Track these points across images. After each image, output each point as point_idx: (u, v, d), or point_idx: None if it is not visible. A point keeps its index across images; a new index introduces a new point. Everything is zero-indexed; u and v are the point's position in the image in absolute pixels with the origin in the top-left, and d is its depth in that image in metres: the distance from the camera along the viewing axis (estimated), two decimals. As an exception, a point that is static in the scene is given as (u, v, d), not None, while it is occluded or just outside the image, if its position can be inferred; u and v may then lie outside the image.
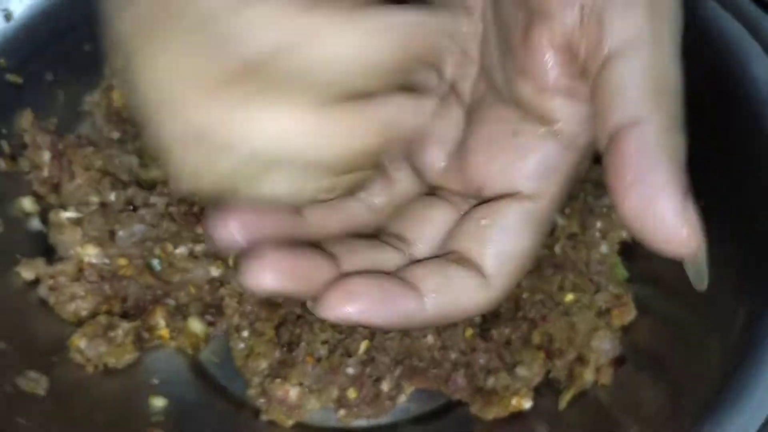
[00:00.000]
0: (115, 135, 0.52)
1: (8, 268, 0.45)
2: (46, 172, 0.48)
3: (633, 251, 0.47)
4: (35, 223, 0.48)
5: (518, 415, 0.43)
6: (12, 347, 0.41)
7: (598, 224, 0.46)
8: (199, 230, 0.48)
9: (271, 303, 0.46)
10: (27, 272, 0.45)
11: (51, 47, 0.51)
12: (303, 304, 0.46)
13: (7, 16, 0.50)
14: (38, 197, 0.49)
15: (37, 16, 0.51)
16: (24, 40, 0.51)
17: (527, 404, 0.43)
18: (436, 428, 0.45)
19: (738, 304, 0.36)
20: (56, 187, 0.49)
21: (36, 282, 0.46)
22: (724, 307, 0.37)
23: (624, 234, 0.47)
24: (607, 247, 0.46)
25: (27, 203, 0.48)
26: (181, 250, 0.47)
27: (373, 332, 0.45)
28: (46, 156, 0.48)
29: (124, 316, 0.47)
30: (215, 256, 0.47)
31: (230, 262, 0.47)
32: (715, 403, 0.34)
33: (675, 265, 0.44)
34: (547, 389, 0.44)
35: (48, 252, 0.47)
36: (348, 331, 0.46)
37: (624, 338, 0.44)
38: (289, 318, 0.46)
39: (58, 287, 0.46)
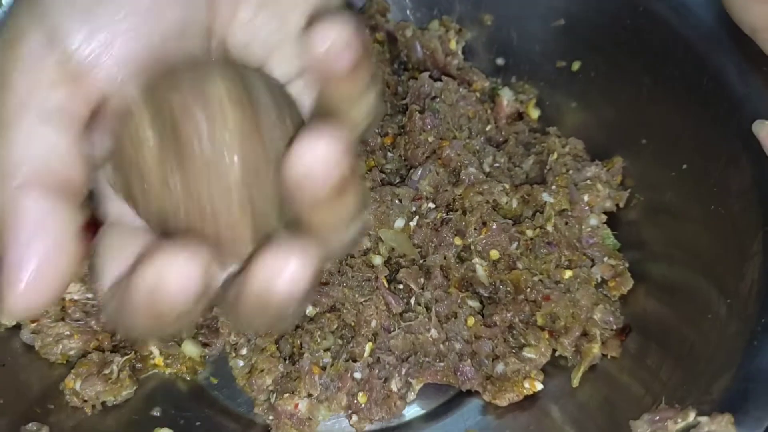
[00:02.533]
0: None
1: (-14, 317, 0.43)
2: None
3: (617, 219, 0.48)
4: None
5: (532, 398, 0.43)
6: (6, 401, 0.39)
7: (585, 198, 0.46)
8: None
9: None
10: (7, 318, 0.43)
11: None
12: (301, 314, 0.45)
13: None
14: None
15: None
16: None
17: (539, 386, 0.43)
18: (451, 422, 0.44)
19: (743, 268, 0.37)
20: (23, 225, 0.46)
21: (18, 327, 0.43)
22: (727, 270, 0.38)
23: (608, 203, 0.48)
24: (596, 219, 0.47)
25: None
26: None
27: (375, 333, 0.44)
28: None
29: (115, 350, 0.45)
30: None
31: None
32: (730, 367, 0.35)
33: (661, 230, 0.46)
34: (555, 369, 0.44)
35: (24, 294, 0.45)
36: (350, 335, 0.45)
37: (625, 308, 0.44)
38: (288, 330, 0.45)
39: (42, 330, 0.43)
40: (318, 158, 0.23)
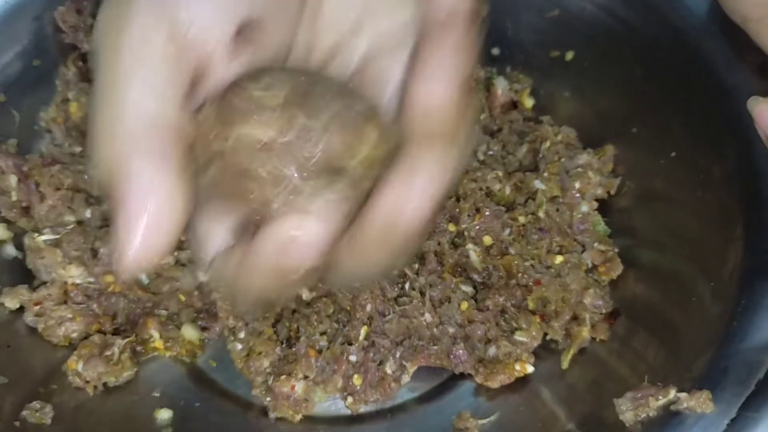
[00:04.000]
0: (77, 149, 0.51)
1: (-10, 300, 0.44)
2: (14, 197, 0.47)
3: (608, 206, 0.49)
4: (10, 250, 0.47)
5: (523, 380, 0.44)
6: (10, 381, 0.40)
7: (577, 185, 0.47)
8: (182, 237, 0.47)
9: (265, 301, 0.46)
10: (10, 301, 0.44)
11: (-1, 67, 0.50)
12: (298, 299, 0.46)
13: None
14: (9, 223, 0.47)
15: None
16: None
17: (530, 368, 0.44)
18: (444, 404, 0.45)
19: (726, 252, 0.38)
20: (26, 211, 0.47)
21: (21, 310, 0.45)
22: (711, 254, 0.39)
23: (599, 191, 0.48)
24: (587, 205, 0.47)
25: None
26: (167, 260, 0.46)
27: (371, 317, 0.45)
28: (13, 180, 0.46)
29: (116, 332, 0.46)
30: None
31: (218, 265, 0.47)
32: (711, 347, 0.36)
33: (650, 217, 0.47)
34: (545, 352, 0.45)
35: (28, 278, 0.46)
36: (346, 319, 0.46)
37: (614, 293, 0.45)
38: (285, 314, 0.46)
39: (44, 313, 0.44)
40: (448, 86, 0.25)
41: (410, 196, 0.25)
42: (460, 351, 0.45)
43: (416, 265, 0.47)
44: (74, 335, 0.45)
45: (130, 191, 0.25)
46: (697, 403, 0.32)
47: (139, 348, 0.46)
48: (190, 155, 0.26)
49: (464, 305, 0.46)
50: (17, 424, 0.39)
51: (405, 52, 0.28)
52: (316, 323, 0.46)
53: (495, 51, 0.56)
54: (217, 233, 0.28)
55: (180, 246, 0.47)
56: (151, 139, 0.25)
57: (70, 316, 0.45)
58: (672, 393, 0.33)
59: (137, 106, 0.25)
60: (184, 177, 0.26)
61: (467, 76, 0.27)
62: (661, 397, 0.33)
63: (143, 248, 0.25)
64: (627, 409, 0.35)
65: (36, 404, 0.40)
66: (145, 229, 0.25)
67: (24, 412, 0.39)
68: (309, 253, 0.25)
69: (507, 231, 0.47)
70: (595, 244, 0.46)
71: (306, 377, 0.44)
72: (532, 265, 0.45)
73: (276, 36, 0.28)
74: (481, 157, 0.50)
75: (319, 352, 0.45)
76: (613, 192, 0.49)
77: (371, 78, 0.29)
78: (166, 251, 0.26)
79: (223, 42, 0.26)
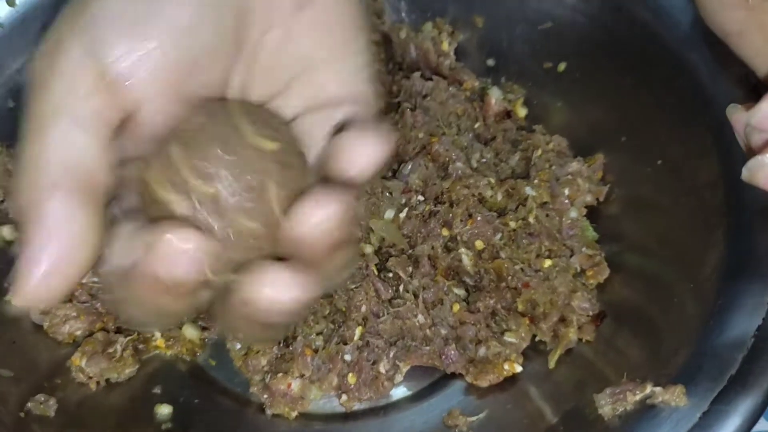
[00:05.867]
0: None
1: (-2, 298, 0.46)
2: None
3: (598, 213, 0.50)
4: (17, 251, 0.48)
5: (511, 379, 0.45)
6: (16, 374, 0.42)
7: (566, 191, 0.49)
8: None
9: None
10: (17, 304, 0.46)
11: (9, 74, 0.51)
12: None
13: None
14: (17, 224, 0.49)
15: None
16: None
17: (519, 368, 0.45)
18: (435, 402, 0.47)
19: (706, 255, 0.39)
20: (34, 212, 0.49)
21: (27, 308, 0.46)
22: (693, 257, 0.40)
23: (589, 198, 0.50)
24: (576, 212, 0.49)
25: (6, 231, 0.48)
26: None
27: (365, 318, 0.47)
28: (21, 182, 0.48)
29: (119, 331, 0.48)
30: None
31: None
32: (688, 345, 0.37)
33: (637, 223, 0.48)
34: (534, 353, 0.47)
35: (35, 277, 0.47)
36: (341, 319, 0.47)
37: (601, 295, 0.46)
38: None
39: (50, 311, 0.46)
40: (322, 221, 0.26)
41: (262, 296, 0.26)
42: (452, 351, 0.46)
43: (410, 268, 0.48)
44: (78, 333, 0.46)
45: (38, 230, 0.25)
46: (671, 396, 0.33)
47: (141, 346, 0.48)
48: (107, 198, 0.27)
49: (456, 307, 0.47)
50: (22, 414, 0.40)
51: (329, 123, 0.29)
52: (312, 323, 0.47)
53: (490, 62, 0.58)
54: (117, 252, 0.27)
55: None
56: (69, 180, 0.25)
57: (74, 314, 0.46)
58: (649, 388, 0.34)
59: (60, 142, 0.25)
60: (97, 221, 0.26)
61: (349, 216, 0.27)
62: (638, 392, 0.35)
63: (41, 287, 0.25)
64: (606, 404, 0.36)
65: (40, 397, 0.42)
66: (45, 271, 0.25)
67: (29, 404, 0.41)
68: (192, 267, 0.25)
69: (498, 236, 0.48)
70: (583, 249, 0.48)
71: (302, 375, 0.46)
72: (521, 269, 0.47)
73: (211, 75, 0.28)
74: (475, 165, 0.51)
75: (315, 351, 0.46)
76: (602, 199, 0.50)
77: (299, 134, 0.29)
78: (63, 293, 0.26)
79: (153, 90, 0.26)
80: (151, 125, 0.27)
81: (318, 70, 0.30)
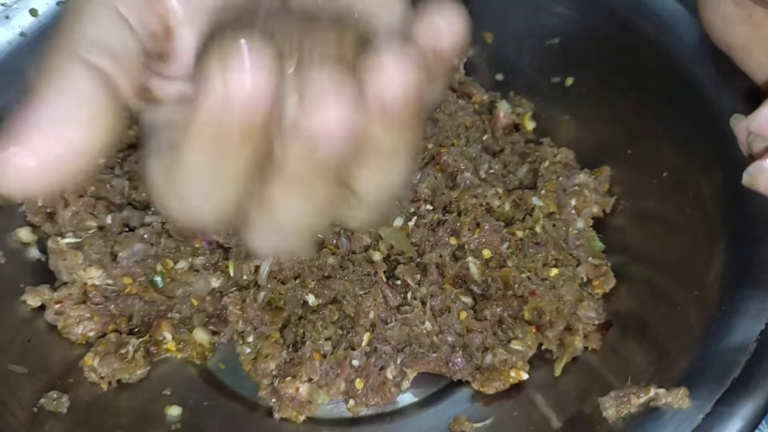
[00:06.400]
0: (101, 160, 0.54)
1: (14, 298, 0.47)
2: (39, 202, 0.50)
3: (604, 224, 0.51)
4: (34, 252, 0.49)
5: (517, 386, 0.46)
6: (29, 372, 0.43)
7: (573, 202, 0.50)
8: (197, 244, 0.50)
9: (273, 307, 0.49)
10: (32, 300, 0.47)
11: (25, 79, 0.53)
12: (304, 305, 0.49)
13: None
14: (34, 227, 0.50)
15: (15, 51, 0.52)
16: (2, 77, 0.52)
17: (525, 375, 0.46)
18: (442, 408, 0.47)
19: (709, 264, 0.40)
20: (51, 216, 0.50)
21: (42, 308, 0.47)
22: (697, 266, 0.41)
23: (595, 209, 0.51)
24: (583, 222, 0.50)
25: (24, 234, 0.49)
26: (182, 265, 0.49)
27: (373, 324, 0.47)
28: (39, 186, 0.49)
29: (131, 333, 0.48)
30: (214, 267, 0.50)
31: (230, 272, 0.49)
32: (691, 350, 0.38)
33: (643, 235, 0.49)
34: (540, 361, 0.47)
35: (50, 279, 0.48)
36: (350, 325, 0.48)
37: (607, 305, 0.47)
38: (292, 320, 0.49)
39: (64, 311, 0.47)
40: (402, 79, 0.22)
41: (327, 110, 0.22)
42: (459, 359, 0.47)
43: (418, 276, 0.49)
44: (91, 334, 0.47)
45: (53, 90, 0.22)
46: (675, 399, 0.34)
47: (152, 348, 0.48)
48: (131, 94, 0.24)
49: (463, 315, 0.48)
50: (35, 410, 0.41)
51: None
52: (321, 329, 0.48)
53: (499, 77, 0.59)
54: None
55: (194, 252, 0.50)
56: (99, 56, 0.22)
57: (88, 315, 0.47)
58: (652, 391, 0.35)
59: (97, 22, 0.23)
60: (117, 113, 0.23)
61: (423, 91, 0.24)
62: (642, 395, 0.35)
63: (43, 165, 0.21)
64: (610, 407, 0.36)
65: (53, 394, 0.42)
66: (51, 143, 0.21)
67: (42, 400, 0.42)
68: (270, 80, 0.21)
69: (505, 245, 0.49)
70: (590, 259, 0.48)
71: (310, 380, 0.46)
72: (528, 278, 0.47)
73: None
74: (483, 175, 0.52)
75: (324, 356, 0.47)
76: (608, 210, 0.51)
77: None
78: (61, 181, 0.22)
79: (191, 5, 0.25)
80: (183, 60, 0.25)
81: None
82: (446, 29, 0.24)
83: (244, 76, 0.21)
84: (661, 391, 0.34)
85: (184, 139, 0.22)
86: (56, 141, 0.22)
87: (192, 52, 0.26)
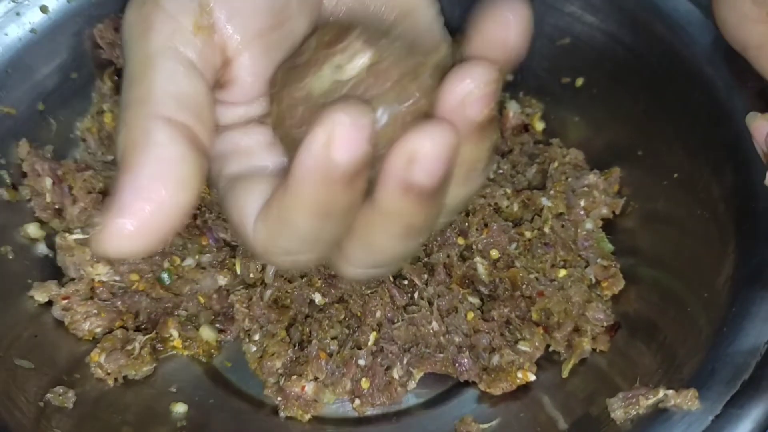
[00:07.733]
0: (109, 157, 0.54)
1: (21, 293, 0.47)
2: (48, 198, 0.50)
3: (614, 226, 0.51)
4: (42, 248, 0.49)
5: (524, 388, 0.45)
6: (36, 366, 0.43)
7: (582, 203, 0.49)
8: (204, 242, 0.50)
9: (280, 305, 0.48)
10: (40, 295, 0.47)
11: (40, 78, 0.53)
12: (310, 304, 0.49)
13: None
14: (42, 223, 0.50)
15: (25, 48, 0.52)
16: (13, 74, 0.52)
17: (532, 377, 0.45)
18: (448, 409, 0.47)
19: (720, 265, 0.39)
20: (59, 212, 0.50)
21: (49, 304, 0.47)
22: (707, 268, 0.40)
23: (605, 210, 0.50)
24: (592, 223, 0.49)
25: (32, 229, 0.49)
26: (189, 262, 0.49)
27: (380, 324, 0.47)
28: (48, 182, 0.49)
29: (138, 329, 0.48)
30: (221, 265, 0.49)
31: (237, 270, 0.49)
32: (701, 352, 0.37)
33: (653, 236, 0.48)
34: (547, 362, 0.47)
35: (57, 275, 0.48)
36: (356, 324, 0.48)
37: (616, 307, 0.47)
38: (299, 318, 0.48)
39: (71, 307, 0.47)
40: (475, 88, 0.24)
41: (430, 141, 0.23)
42: (465, 359, 0.46)
43: (425, 276, 0.49)
44: (98, 330, 0.47)
45: (146, 158, 0.23)
46: (684, 400, 0.33)
47: (158, 345, 0.48)
48: (210, 140, 0.25)
49: (470, 315, 0.47)
50: (41, 405, 0.41)
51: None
52: (327, 327, 0.48)
53: (508, 77, 0.59)
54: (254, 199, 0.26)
55: (201, 250, 0.50)
56: (181, 112, 0.24)
57: (95, 311, 0.47)
58: (661, 392, 0.35)
59: (170, 78, 0.25)
60: (203, 168, 0.24)
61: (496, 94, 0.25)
62: (651, 396, 0.35)
63: (141, 231, 0.23)
64: (618, 408, 0.36)
65: (60, 389, 0.42)
66: (153, 199, 0.23)
67: (48, 395, 0.42)
68: (365, 141, 0.22)
69: (513, 245, 0.49)
70: (599, 260, 0.48)
71: (316, 379, 0.46)
72: (536, 278, 0.47)
73: (299, 23, 0.28)
74: (491, 176, 0.52)
75: (330, 355, 0.47)
76: (618, 212, 0.51)
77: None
78: (157, 244, 0.23)
79: (248, 36, 0.26)
80: (244, 85, 0.27)
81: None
82: (514, 22, 0.25)
83: (348, 140, 0.22)
84: (670, 392, 0.34)
85: (292, 208, 0.24)
86: (154, 205, 0.23)
87: (253, 77, 0.27)
